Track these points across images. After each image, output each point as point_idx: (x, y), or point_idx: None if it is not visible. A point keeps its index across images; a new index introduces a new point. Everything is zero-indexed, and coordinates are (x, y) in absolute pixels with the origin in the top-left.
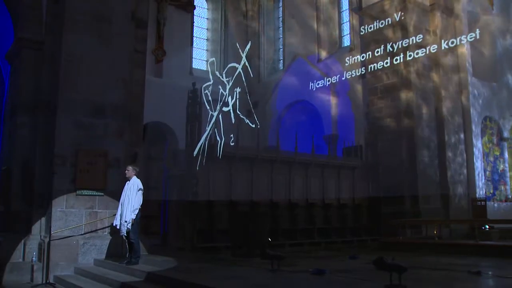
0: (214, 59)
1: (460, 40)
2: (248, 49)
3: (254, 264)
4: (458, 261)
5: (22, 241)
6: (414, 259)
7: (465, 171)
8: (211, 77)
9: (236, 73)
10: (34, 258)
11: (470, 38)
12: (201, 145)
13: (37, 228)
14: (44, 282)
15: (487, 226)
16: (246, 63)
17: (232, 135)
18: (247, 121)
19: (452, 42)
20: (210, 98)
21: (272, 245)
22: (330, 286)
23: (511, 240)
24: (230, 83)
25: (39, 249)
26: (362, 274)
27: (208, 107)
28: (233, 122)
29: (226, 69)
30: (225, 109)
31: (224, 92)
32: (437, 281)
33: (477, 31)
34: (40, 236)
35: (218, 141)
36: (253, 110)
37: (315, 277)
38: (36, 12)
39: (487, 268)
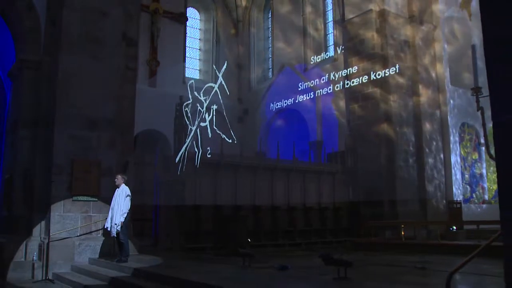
0: (193, 81)
1: (385, 72)
2: (225, 69)
3: (230, 262)
4: (415, 259)
5: (24, 242)
6: (377, 257)
7: (443, 175)
8: (190, 96)
9: (213, 92)
10: (34, 258)
11: (392, 71)
12: (181, 154)
13: (37, 230)
14: (43, 278)
15: (454, 227)
16: (223, 82)
17: (208, 148)
18: (224, 136)
19: (366, 79)
20: (189, 114)
21: (253, 246)
22: (286, 278)
23: (476, 240)
24: (207, 101)
25: (39, 250)
26: (320, 269)
27: (188, 122)
28: (209, 136)
29: (203, 89)
30: (202, 124)
31: (201, 109)
32: (382, 274)
33: (384, 71)
34: (40, 238)
35: (196, 152)
36: (229, 126)
37: (278, 272)
38: (35, 35)
39: (437, 264)
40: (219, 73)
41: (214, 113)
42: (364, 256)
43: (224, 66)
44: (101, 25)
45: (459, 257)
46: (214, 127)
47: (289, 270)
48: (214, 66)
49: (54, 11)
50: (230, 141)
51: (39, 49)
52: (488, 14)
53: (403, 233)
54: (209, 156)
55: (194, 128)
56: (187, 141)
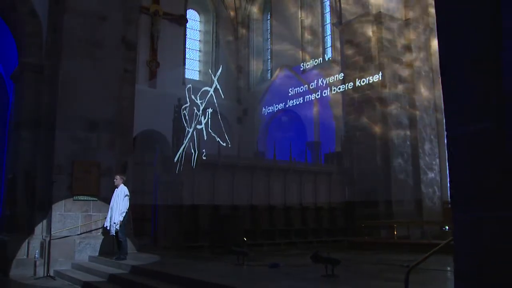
0: (190, 85)
1: (381, 74)
2: (225, 70)
3: (225, 260)
4: (404, 258)
5: (26, 240)
6: (369, 256)
7: (438, 175)
8: (187, 99)
9: (208, 96)
10: (36, 255)
11: (375, 78)
12: (179, 155)
13: (39, 229)
14: (45, 275)
15: (447, 227)
16: (218, 87)
17: (204, 150)
18: (218, 139)
19: (363, 81)
20: (187, 117)
21: (250, 245)
22: (276, 275)
23: None
24: (203, 105)
25: (41, 247)
26: (310, 267)
27: (185, 124)
28: (205, 139)
29: (200, 92)
30: (198, 127)
31: (198, 112)
32: (367, 272)
33: (380, 73)
34: (42, 236)
35: (193, 153)
36: (224, 130)
37: (270, 269)
38: (37, 39)
39: (424, 263)
40: (215, 77)
41: (210, 116)
42: (356, 255)
43: (219, 71)
44: (101, 29)
45: (447, 255)
46: (210, 130)
47: (280, 267)
48: (210, 71)
49: (55, 16)
50: (225, 144)
51: (40, 53)
52: (444, 30)
53: (395, 232)
54: (205, 158)
55: (191, 130)
56: (185, 142)
